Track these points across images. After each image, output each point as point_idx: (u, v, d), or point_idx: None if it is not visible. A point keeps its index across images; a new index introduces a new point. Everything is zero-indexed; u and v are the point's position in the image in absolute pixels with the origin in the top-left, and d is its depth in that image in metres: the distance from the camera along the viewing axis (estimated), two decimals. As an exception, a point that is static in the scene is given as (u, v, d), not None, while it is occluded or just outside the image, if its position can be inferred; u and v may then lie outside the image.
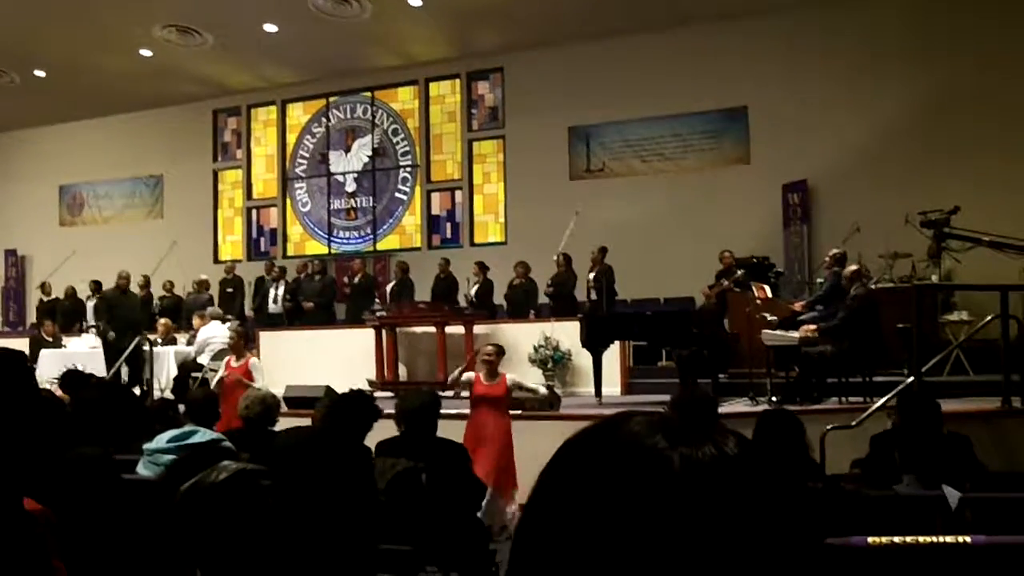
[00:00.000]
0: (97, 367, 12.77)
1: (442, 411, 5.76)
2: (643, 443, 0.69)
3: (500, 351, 7.98)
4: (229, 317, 13.84)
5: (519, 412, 8.46)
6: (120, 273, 13.37)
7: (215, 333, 11.83)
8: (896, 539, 2.68)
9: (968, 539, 2.63)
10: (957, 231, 7.94)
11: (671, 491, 0.66)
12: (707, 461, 0.68)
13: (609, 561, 0.64)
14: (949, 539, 2.66)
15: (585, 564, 0.65)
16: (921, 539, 2.65)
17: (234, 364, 9.60)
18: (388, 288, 15.23)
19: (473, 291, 14.20)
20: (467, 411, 7.70)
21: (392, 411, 5.63)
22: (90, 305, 17.11)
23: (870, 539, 2.71)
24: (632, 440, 0.70)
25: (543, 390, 8.59)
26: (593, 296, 13.19)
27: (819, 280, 11.70)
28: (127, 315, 13.01)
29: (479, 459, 7.29)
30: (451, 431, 6.07)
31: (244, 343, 9.93)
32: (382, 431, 5.38)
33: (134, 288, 14.61)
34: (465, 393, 8.00)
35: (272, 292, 15.74)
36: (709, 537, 0.64)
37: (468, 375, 7.84)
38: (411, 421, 5.54)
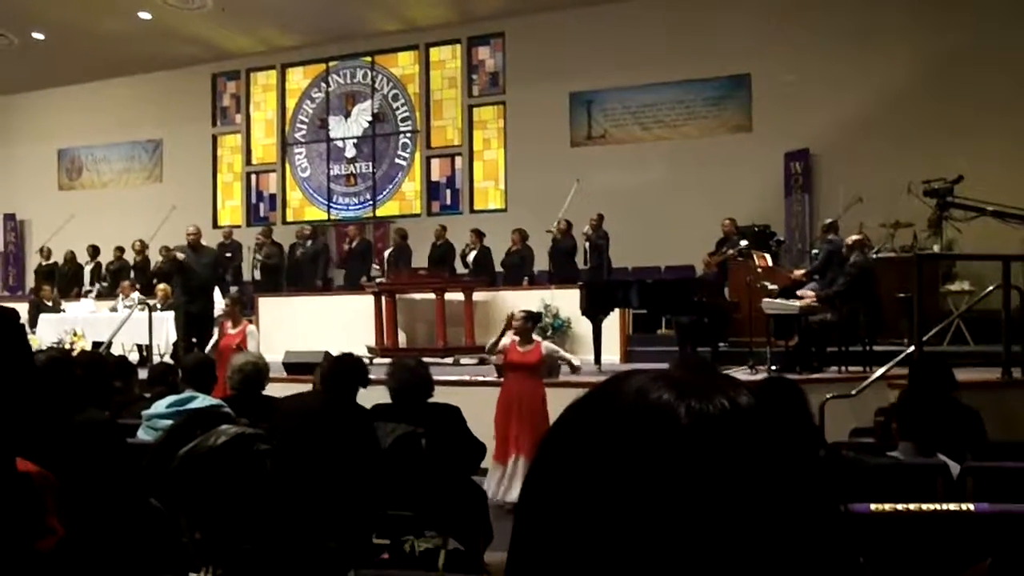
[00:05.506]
0: (98, 333, 12.78)
1: (441, 377, 5.72)
2: (647, 397, 0.64)
3: (531, 317, 7.83)
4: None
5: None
6: (188, 230, 12.03)
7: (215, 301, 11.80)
8: (899, 506, 2.67)
9: (971, 507, 2.62)
10: (960, 200, 7.90)
11: (678, 447, 0.61)
12: (717, 414, 0.62)
13: (614, 524, 0.60)
14: (952, 507, 2.65)
15: (589, 527, 0.61)
16: (924, 507, 2.65)
17: (231, 331, 9.60)
18: (386, 254, 15.19)
19: (471, 257, 14.16)
20: (466, 377, 7.66)
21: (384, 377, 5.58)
22: (88, 269, 17.14)
23: (872, 506, 2.70)
24: (635, 395, 0.65)
25: (576, 361, 8.37)
26: (588, 254, 13.17)
27: (814, 251, 11.70)
28: (201, 273, 11.61)
29: (512, 428, 7.23)
30: (451, 398, 6.03)
31: (239, 310, 9.95)
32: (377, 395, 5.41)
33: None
34: (494, 359, 7.86)
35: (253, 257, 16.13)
36: (720, 497, 0.59)
37: (504, 341, 7.66)
38: (401, 397, 5.49)
